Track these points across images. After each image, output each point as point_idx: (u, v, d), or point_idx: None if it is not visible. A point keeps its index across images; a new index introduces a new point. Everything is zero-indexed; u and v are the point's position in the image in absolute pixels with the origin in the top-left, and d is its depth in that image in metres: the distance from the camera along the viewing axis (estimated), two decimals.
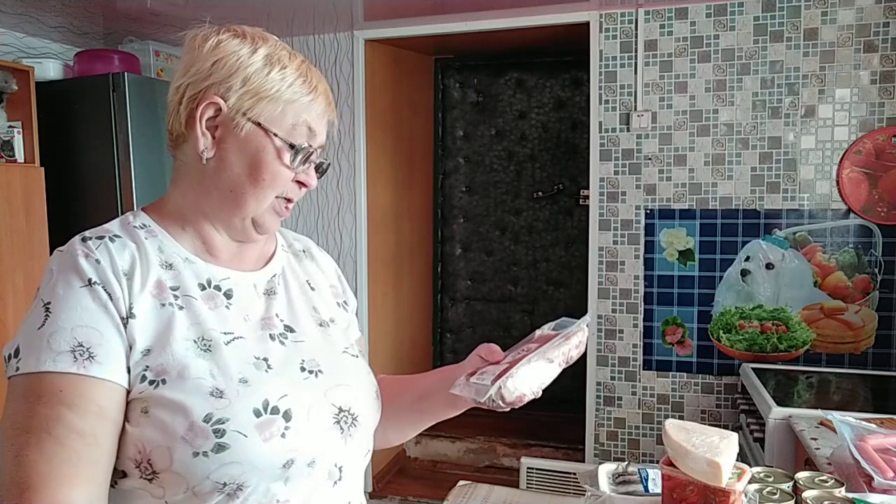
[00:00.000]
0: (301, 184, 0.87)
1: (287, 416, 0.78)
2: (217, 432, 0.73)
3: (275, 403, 0.77)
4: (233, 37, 0.84)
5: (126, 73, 2.56)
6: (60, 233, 2.54)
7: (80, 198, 2.65)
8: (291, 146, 0.83)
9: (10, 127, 2.50)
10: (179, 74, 0.84)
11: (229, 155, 0.83)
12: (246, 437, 0.74)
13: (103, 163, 2.58)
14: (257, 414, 0.75)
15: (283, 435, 0.76)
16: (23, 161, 2.52)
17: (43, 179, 2.52)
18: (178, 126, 0.84)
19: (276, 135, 0.82)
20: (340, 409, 0.85)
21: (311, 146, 0.85)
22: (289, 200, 0.88)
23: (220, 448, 0.73)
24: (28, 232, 2.44)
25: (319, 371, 0.86)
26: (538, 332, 0.91)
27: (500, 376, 0.81)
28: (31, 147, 2.52)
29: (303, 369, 0.84)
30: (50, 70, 2.76)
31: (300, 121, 0.84)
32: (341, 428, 0.84)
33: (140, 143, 2.58)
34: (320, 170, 0.91)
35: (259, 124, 0.82)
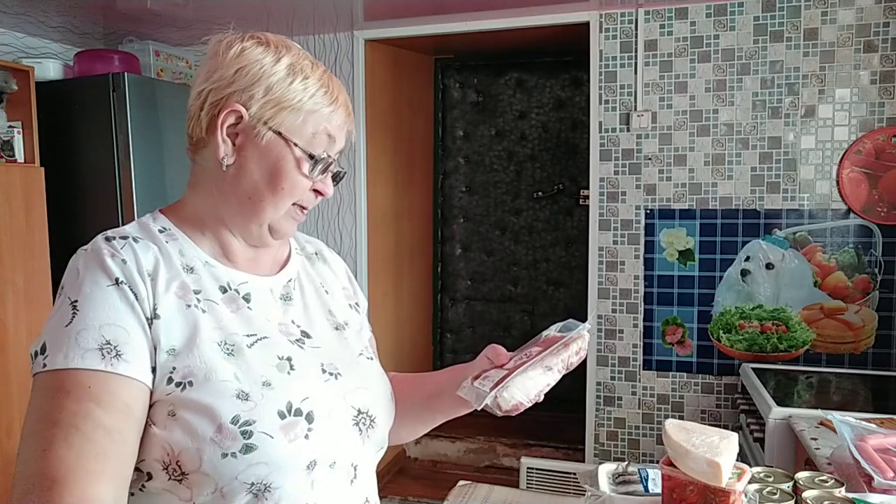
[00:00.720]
0: (317, 192, 0.89)
1: (310, 418, 0.79)
2: (245, 434, 0.74)
3: (298, 405, 0.79)
4: (256, 44, 0.84)
5: (126, 73, 2.55)
6: (60, 233, 2.54)
7: (80, 198, 2.65)
8: (311, 156, 0.85)
9: (10, 127, 2.50)
10: (202, 80, 0.85)
11: (249, 163, 0.84)
12: (272, 438, 0.75)
13: (103, 163, 2.58)
14: (281, 416, 0.77)
15: (306, 436, 0.78)
16: (23, 161, 2.52)
17: (43, 179, 2.51)
18: (198, 131, 0.85)
19: (296, 144, 0.84)
20: (359, 412, 0.87)
21: (329, 156, 0.87)
22: (304, 208, 0.89)
23: (248, 449, 0.74)
24: (28, 232, 2.44)
25: (339, 374, 0.87)
26: (544, 334, 0.91)
27: (498, 384, 0.83)
28: (31, 147, 2.52)
29: (323, 371, 0.86)
30: (50, 70, 2.76)
31: (320, 130, 0.85)
32: (360, 430, 0.86)
33: (140, 143, 2.58)
34: (337, 178, 0.92)
35: (280, 133, 0.83)
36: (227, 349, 0.79)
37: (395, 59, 3.46)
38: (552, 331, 0.91)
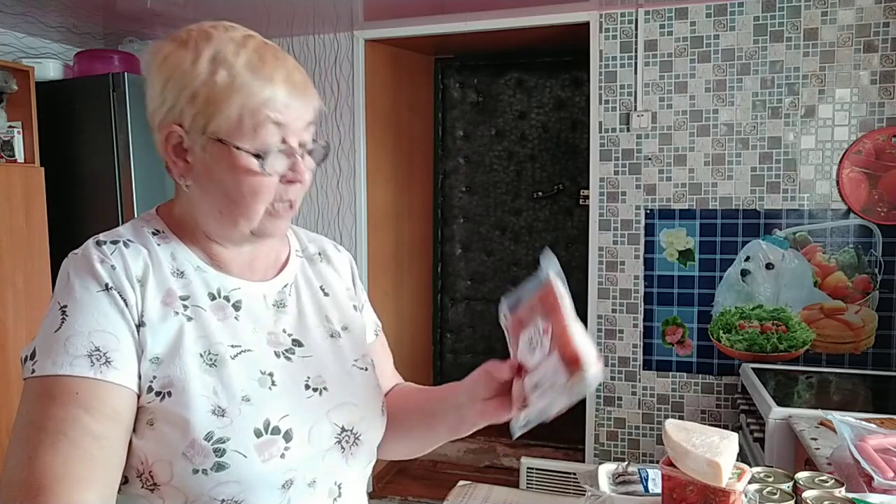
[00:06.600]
0: (291, 182, 0.80)
1: (287, 437, 0.77)
2: (217, 451, 0.73)
3: (276, 423, 0.77)
4: (177, 47, 0.77)
5: (126, 73, 2.56)
6: (60, 233, 2.54)
7: (80, 198, 2.65)
8: (257, 155, 0.77)
9: (10, 127, 2.50)
10: (147, 98, 0.80)
11: (204, 179, 0.79)
12: (245, 457, 0.74)
13: (103, 163, 2.58)
14: (258, 434, 0.75)
15: (282, 455, 0.76)
16: (23, 161, 2.52)
17: (43, 179, 2.52)
18: (160, 151, 0.82)
19: (238, 147, 0.76)
20: (343, 429, 0.84)
21: (282, 146, 0.78)
22: (287, 201, 0.82)
23: (219, 467, 0.73)
24: (28, 232, 2.44)
25: (324, 388, 0.85)
26: (504, 321, 0.82)
27: (523, 406, 0.75)
28: (31, 147, 2.52)
29: (307, 387, 0.83)
30: (50, 70, 2.77)
31: (261, 119, 0.76)
32: (342, 448, 0.84)
33: (140, 143, 2.58)
34: (317, 157, 0.83)
35: (221, 140, 0.76)
36: (210, 360, 0.77)
37: (395, 59, 3.46)
38: (507, 315, 0.81)
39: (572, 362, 0.71)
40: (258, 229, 0.82)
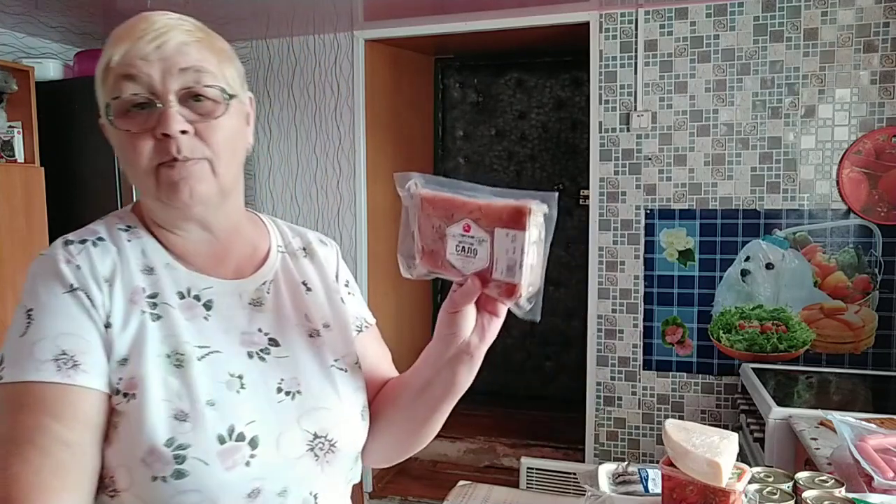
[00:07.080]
0: (165, 136, 0.74)
1: (253, 444, 0.74)
2: (178, 458, 0.70)
3: (241, 429, 0.73)
4: None
5: None
6: (60, 233, 2.53)
7: (80, 198, 2.65)
8: (106, 112, 0.76)
9: (10, 127, 2.50)
10: None
11: (120, 161, 0.81)
12: (207, 464, 0.70)
13: (103, 163, 2.58)
14: (221, 440, 0.72)
15: (247, 463, 0.73)
16: (23, 161, 2.52)
17: (43, 179, 2.52)
18: None
19: (104, 111, 0.77)
20: (315, 436, 0.79)
21: (141, 96, 0.74)
22: (180, 160, 0.75)
23: (179, 475, 0.70)
24: (28, 232, 2.44)
25: (297, 392, 0.80)
26: (416, 272, 0.76)
27: (516, 296, 0.70)
28: (31, 147, 2.52)
29: (279, 390, 0.79)
30: (50, 70, 2.77)
31: (113, 78, 0.75)
32: (316, 455, 0.79)
33: None
34: (195, 98, 0.76)
35: (104, 111, 0.77)
36: (176, 361, 0.74)
37: (395, 59, 3.46)
38: (408, 261, 0.74)
39: (516, 217, 0.67)
40: (164, 195, 0.76)
